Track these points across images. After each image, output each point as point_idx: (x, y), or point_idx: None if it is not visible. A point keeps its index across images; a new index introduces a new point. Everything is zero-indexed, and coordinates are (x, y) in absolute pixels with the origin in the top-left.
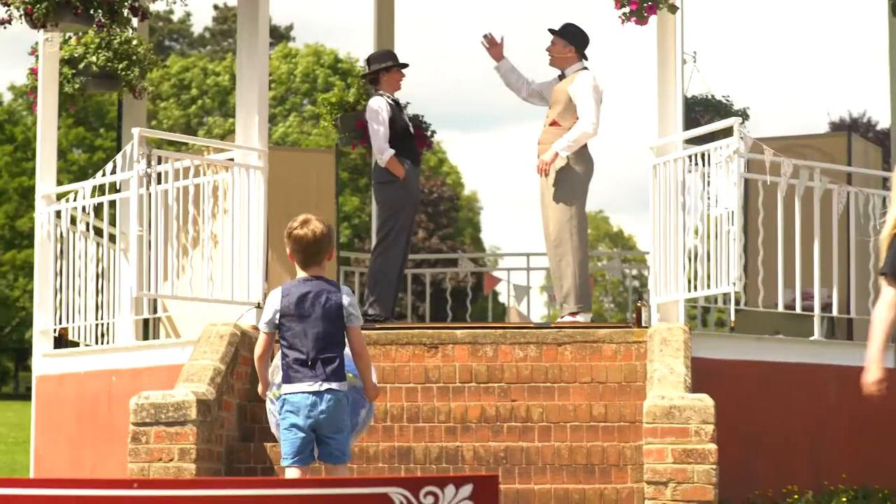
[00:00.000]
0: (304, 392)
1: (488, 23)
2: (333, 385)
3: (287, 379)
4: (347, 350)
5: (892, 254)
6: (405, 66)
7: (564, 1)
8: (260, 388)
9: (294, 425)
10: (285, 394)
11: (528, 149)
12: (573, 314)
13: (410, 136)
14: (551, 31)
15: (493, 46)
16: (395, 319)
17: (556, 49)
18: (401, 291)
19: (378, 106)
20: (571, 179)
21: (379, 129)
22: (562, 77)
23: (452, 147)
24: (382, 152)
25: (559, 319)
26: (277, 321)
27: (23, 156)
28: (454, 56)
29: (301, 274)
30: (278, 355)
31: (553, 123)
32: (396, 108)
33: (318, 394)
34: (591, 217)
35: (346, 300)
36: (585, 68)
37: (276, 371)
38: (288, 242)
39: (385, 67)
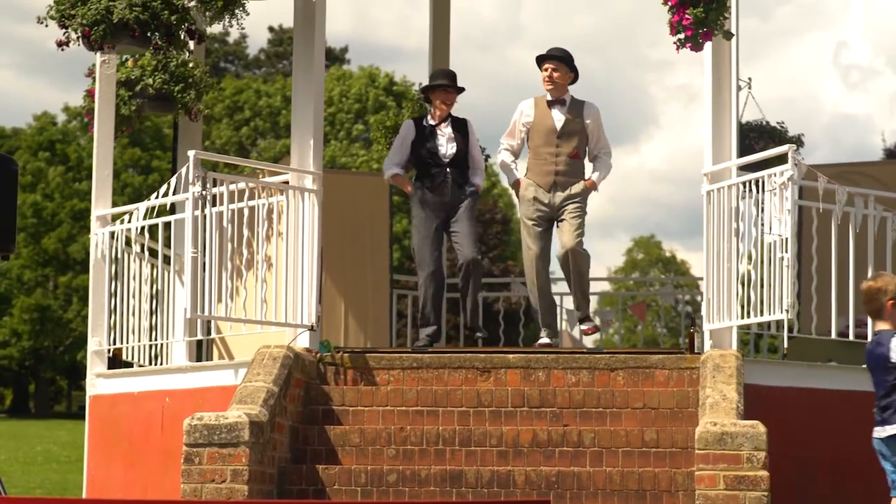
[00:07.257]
0: (874, 437)
1: (542, 46)
2: (891, 430)
3: None
4: None
5: None
6: (447, 86)
7: (615, 27)
8: None
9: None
10: None
11: None
12: (596, 328)
13: (441, 161)
14: (556, 56)
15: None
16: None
17: (562, 76)
18: (447, 313)
19: (405, 125)
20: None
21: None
22: (551, 104)
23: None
24: (384, 171)
25: (583, 327)
26: None
27: (76, 176)
28: (508, 80)
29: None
30: None
31: (574, 155)
32: (429, 130)
33: (879, 440)
34: (643, 242)
35: (893, 354)
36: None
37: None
38: None
39: (429, 87)
